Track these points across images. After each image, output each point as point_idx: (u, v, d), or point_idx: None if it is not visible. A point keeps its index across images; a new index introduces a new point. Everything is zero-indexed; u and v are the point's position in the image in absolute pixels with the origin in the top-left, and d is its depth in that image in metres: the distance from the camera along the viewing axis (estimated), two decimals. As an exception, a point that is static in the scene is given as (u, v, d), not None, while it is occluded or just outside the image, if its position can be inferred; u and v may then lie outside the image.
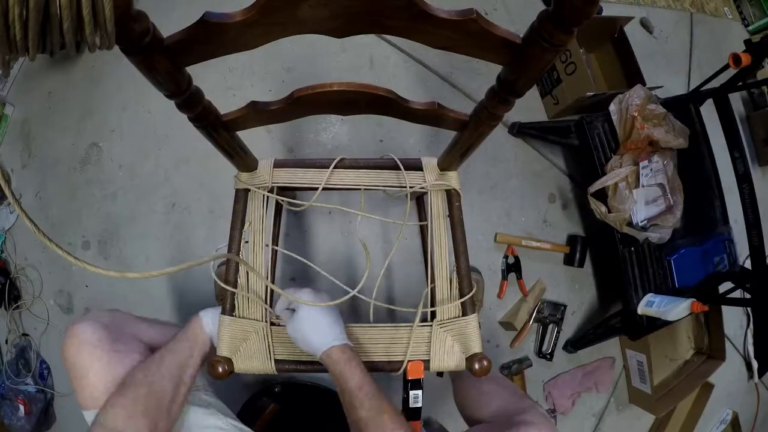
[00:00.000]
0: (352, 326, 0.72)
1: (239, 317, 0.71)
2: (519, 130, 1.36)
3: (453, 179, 0.77)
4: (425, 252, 1.17)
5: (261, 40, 0.44)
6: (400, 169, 0.77)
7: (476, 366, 0.66)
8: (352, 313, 1.20)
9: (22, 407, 1.18)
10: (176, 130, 1.27)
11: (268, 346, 0.69)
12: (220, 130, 0.58)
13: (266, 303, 0.72)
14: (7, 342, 1.30)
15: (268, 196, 0.76)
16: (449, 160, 0.74)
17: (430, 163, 0.78)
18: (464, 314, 0.73)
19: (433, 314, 0.74)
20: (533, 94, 1.46)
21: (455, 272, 0.74)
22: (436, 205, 0.77)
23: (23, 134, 1.36)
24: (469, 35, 0.42)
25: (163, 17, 1.59)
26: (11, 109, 1.37)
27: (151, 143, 1.29)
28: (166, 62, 0.43)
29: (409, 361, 0.68)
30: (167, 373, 0.61)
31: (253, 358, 0.69)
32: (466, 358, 0.69)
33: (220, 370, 0.66)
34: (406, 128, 1.31)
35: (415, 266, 1.25)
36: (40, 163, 1.34)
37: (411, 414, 0.68)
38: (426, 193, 0.78)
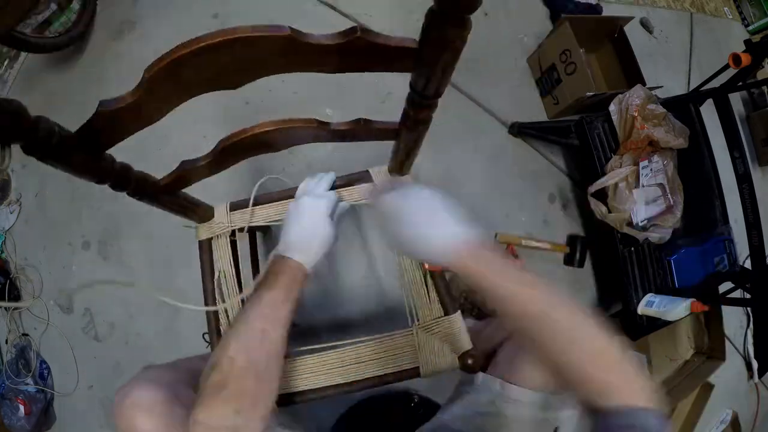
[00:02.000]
0: (328, 350, 0.70)
1: None
2: (519, 131, 1.36)
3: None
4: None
5: (161, 111, 0.45)
6: (353, 185, 0.76)
7: (470, 361, 0.66)
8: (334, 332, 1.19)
9: (22, 407, 1.18)
10: (176, 130, 1.27)
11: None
12: (162, 196, 0.59)
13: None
14: (7, 342, 1.30)
15: (232, 240, 0.75)
16: (398, 165, 0.74)
17: (381, 170, 0.77)
18: (446, 314, 0.72)
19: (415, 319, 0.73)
20: (533, 94, 1.46)
21: (428, 275, 0.74)
22: None
23: (23, 134, 1.36)
24: (360, 54, 0.40)
25: (163, 17, 1.57)
26: (11, 109, 1.37)
27: (151, 143, 1.29)
28: (83, 155, 0.44)
29: None
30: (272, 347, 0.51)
31: None
32: (459, 357, 0.69)
33: None
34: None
35: (392, 278, 1.23)
36: (40, 163, 1.34)
37: None
38: None
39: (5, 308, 1.28)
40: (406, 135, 0.59)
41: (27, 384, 1.22)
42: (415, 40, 0.40)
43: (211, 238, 0.75)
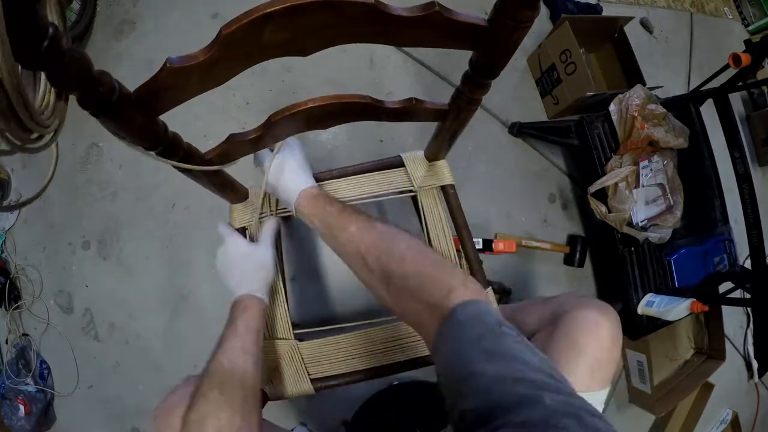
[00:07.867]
0: (365, 328, 0.71)
1: (265, 339, 0.69)
2: (519, 130, 1.37)
3: (443, 168, 0.77)
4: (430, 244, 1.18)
5: (229, 74, 0.43)
6: (388, 169, 0.77)
7: None
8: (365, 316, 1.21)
9: (22, 407, 1.18)
10: (175, 129, 1.27)
11: (300, 366, 0.68)
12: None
13: (289, 324, 0.70)
14: (7, 342, 1.30)
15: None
16: (436, 150, 0.74)
17: (417, 156, 0.78)
18: None
19: None
20: (533, 94, 1.46)
21: (463, 258, 0.74)
22: (431, 197, 0.76)
23: (23, 134, 1.36)
24: (434, 28, 0.42)
25: (163, 17, 1.57)
26: (11, 109, 1.37)
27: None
28: (139, 117, 0.42)
29: None
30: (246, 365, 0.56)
31: (287, 383, 0.67)
32: None
33: None
34: (405, 127, 1.31)
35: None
36: (40, 163, 1.34)
37: None
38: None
39: (5, 308, 1.28)
40: (454, 116, 0.60)
41: (27, 384, 1.22)
42: (485, 20, 0.42)
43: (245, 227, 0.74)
